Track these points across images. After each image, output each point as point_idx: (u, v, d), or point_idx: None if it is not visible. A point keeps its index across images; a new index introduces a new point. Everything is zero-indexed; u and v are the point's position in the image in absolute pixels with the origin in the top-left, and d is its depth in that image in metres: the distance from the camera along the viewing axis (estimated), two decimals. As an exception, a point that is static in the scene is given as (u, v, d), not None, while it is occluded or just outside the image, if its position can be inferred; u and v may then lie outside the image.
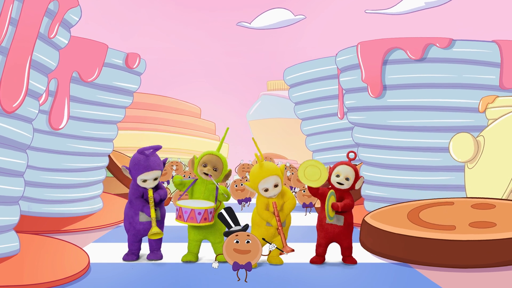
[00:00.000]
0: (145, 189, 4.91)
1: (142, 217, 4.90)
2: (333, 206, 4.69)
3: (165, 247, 5.15)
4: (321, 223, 4.87)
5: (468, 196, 5.99)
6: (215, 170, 4.87)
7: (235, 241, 4.01)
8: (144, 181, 4.85)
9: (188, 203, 4.76)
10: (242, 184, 8.57)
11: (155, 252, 4.97)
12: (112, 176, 8.67)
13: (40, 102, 5.91)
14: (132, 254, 4.96)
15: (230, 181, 9.93)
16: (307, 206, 8.29)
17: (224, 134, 5.03)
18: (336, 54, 7.54)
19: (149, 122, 11.54)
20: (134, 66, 7.08)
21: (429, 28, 14.49)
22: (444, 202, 5.49)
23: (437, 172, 6.67)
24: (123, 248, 5.11)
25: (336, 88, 8.81)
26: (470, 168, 6.07)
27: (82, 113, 6.66)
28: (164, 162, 4.99)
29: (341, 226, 4.79)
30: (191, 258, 4.88)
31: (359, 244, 5.34)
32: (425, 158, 6.72)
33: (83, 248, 4.99)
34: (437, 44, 6.50)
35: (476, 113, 6.44)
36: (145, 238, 5.06)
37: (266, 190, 4.81)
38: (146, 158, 4.84)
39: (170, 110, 12.32)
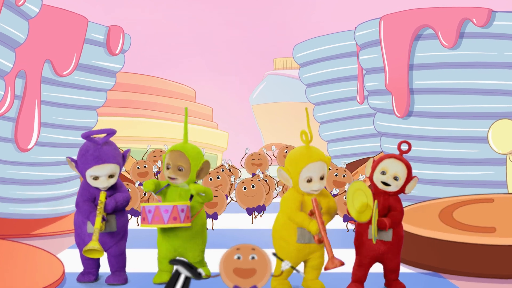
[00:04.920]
0: (97, 191, 4.40)
1: (91, 228, 4.35)
2: (380, 225, 4.11)
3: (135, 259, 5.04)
4: (361, 238, 4.29)
5: (510, 192, 5.99)
6: (181, 170, 4.37)
7: (236, 256, 3.38)
8: (95, 178, 4.34)
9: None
10: (253, 186, 7.33)
11: (117, 274, 4.50)
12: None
13: (3, 109, 5.84)
14: (88, 273, 4.53)
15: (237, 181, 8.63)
16: (350, 220, 7.09)
17: (185, 116, 4.51)
18: (355, 28, 7.52)
19: (135, 107, 11.55)
20: (117, 52, 7.07)
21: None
22: (482, 199, 5.47)
23: (474, 166, 6.68)
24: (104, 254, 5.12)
25: (355, 68, 8.81)
26: (513, 161, 6.08)
27: (55, 97, 6.66)
28: (125, 155, 4.49)
29: (389, 241, 4.23)
30: (165, 279, 4.43)
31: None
32: (459, 149, 6.73)
33: (57, 255, 4.97)
34: (474, 20, 6.47)
35: (520, 97, 6.44)
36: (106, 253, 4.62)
37: (310, 180, 4.16)
38: (97, 147, 4.32)
39: (159, 92, 12.33)
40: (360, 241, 4.28)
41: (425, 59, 6.77)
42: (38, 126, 6.29)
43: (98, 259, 4.49)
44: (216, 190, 6.80)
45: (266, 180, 7.75)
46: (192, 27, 16.61)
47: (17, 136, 6.14)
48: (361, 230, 4.27)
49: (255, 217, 7.42)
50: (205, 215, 4.60)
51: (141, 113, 11.58)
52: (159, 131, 11.52)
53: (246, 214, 7.46)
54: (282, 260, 3.69)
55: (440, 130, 6.80)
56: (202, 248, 4.52)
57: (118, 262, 4.49)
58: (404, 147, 4.30)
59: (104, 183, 4.35)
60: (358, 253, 4.32)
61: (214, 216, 6.68)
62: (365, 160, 9.01)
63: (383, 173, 4.21)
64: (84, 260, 4.48)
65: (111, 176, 4.36)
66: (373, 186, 4.27)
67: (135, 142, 10.58)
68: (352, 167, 8.40)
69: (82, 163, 4.33)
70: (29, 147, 6.21)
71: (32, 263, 4.74)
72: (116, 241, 4.45)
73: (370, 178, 4.28)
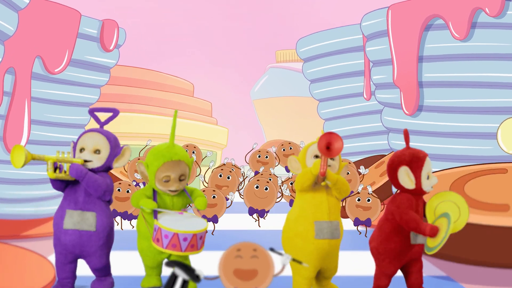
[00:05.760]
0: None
1: (68, 222, 4.17)
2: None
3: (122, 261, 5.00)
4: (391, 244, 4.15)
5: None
6: (183, 180, 4.26)
7: (236, 256, 3.32)
8: (82, 149, 4.21)
9: (170, 223, 4.11)
10: (266, 188, 7.07)
11: (102, 280, 4.38)
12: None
13: None
14: (63, 286, 4.29)
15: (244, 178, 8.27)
16: (361, 224, 6.72)
17: (174, 120, 4.35)
18: (362, 18, 7.53)
19: (130, 102, 11.54)
20: (111, 48, 7.08)
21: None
22: (495, 169, 5.35)
23: (486, 164, 6.66)
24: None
25: (361, 63, 8.81)
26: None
27: (46, 93, 6.68)
28: (122, 147, 4.36)
29: (421, 244, 4.13)
30: (154, 283, 4.38)
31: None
32: (471, 146, 6.73)
33: (48, 258, 4.98)
34: (487, 10, 6.48)
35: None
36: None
37: (317, 156, 4.13)
38: (94, 118, 4.40)
39: (155, 86, 12.31)
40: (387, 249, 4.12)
41: (435, 51, 6.78)
42: (28, 126, 6.30)
43: (75, 268, 4.31)
44: (214, 191, 6.77)
45: (270, 179, 7.72)
46: (190, 17, 16.59)
47: (6, 136, 6.15)
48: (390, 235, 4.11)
49: (256, 220, 7.19)
50: None
51: (136, 108, 11.57)
52: (155, 127, 11.51)
53: (247, 214, 7.24)
54: (281, 254, 3.38)
55: (450, 125, 6.81)
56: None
57: (100, 273, 4.35)
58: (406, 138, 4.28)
59: (88, 155, 4.20)
60: (382, 260, 4.16)
61: (214, 219, 6.65)
62: (371, 158, 9.02)
63: (429, 177, 4.11)
64: (59, 266, 4.28)
65: (97, 152, 4.22)
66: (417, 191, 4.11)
67: (130, 138, 10.59)
68: (356, 165, 8.39)
69: (77, 139, 4.27)
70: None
71: (21, 266, 4.75)
72: (95, 247, 4.23)
73: (419, 187, 4.08)
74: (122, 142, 4.43)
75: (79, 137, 4.26)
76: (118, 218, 6.95)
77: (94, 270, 4.32)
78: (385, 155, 8.62)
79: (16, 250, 5.04)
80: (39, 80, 6.55)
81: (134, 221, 6.91)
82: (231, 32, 16.53)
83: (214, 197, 6.71)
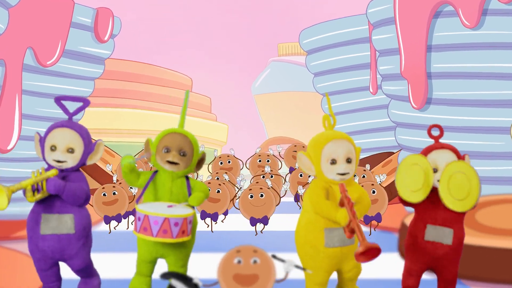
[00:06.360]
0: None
1: (45, 227, 4.07)
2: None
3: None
4: (415, 240, 4.16)
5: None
6: (184, 155, 4.15)
7: (236, 260, 3.22)
8: (52, 148, 4.06)
9: (157, 209, 3.99)
10: (261, 195, 6.76)
11: (88, 281, 4.35)
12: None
13: None
14: None
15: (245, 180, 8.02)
16: (371, 220, 6.57)
17: (185, 101, 4.33)
18: (368, 5, 7.51)
19: (126, 97, 11.55)
20: (106, 38, 7.06)
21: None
22: (506, 200, 5.44)
23: (500, 160, 6.66)
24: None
25: (367, 55, 8.80)
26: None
27: (39, 86, 6.67)
28: (95, 142, 4.19)
29: (448, 245, 4.09)
30: (143, 284, 4.29)
31: (397, 254, 5.33)
32: (483, 141, 6.70)
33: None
34: (499, -4, 6.48)
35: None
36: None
37: (334, 162, 3.90)
38: (62, 108, 4.19)
39: (152, 81, 12.33)
40: (414, 244, 4.14)
41: (444, 40, 6.75)
42: (19, 120, 6.28)
43: (58, 271, 4.26)
44: (220, 185, 6.71)
45: (272, 176, 7.67)
46: (189, 9, 16.59)
47: None
48: (416, 230, 4.14)
49: (261, 231, 6.77)
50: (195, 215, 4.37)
51: (133, 103, 11.58)
52: (153, 124, 11.51)
53: (249, 224, 6.84)
54: (283, 261, 3.30)
55: (461, 119, 6.79)
56: (187, 252, 4.27)
57: (84, 274, 4.30)
58: (436, 132, 4.23)
59: (61, 155, 4.04)
60: (408, 258, 4.19)
61: (214, 217, 6.60)
62: (378, 156, 9.01)
63: (436, 170, 4.07)
64: (42, 275, 4.22)
65: (71, 151, 4.07)
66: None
67: (126, 135, 10.59)
68: (362, 163, 8.38)
69: (45, 133, 4.08)
70: (9, 147, 6.19)
71: (11, 268, 4.74)
72: (76, 249, 4.16)
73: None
74: (118, 140, 4.35)
75: (48, 132, 4.09)
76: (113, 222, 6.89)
77: (77, 271, 4.26)
78: (393, 153, 8.61)
79: (6, 252, 5.04)
80: (31, 72, 6.54)
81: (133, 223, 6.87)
82: (231, 23, 16.52)
83: (218, 191, 6.63)
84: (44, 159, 4.10)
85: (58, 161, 4.05)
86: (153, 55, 14.00)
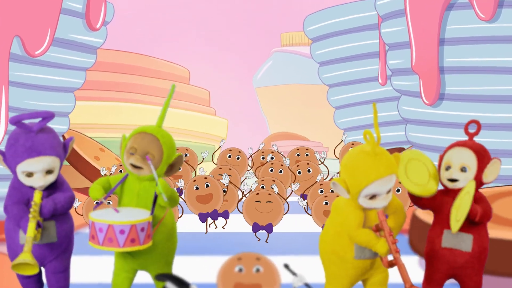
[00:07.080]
0: (32, 190, 4.04)
1: (24, 238, 4.02)
2: (471, 212, 3.84)
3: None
4: (433, 247, 4.11)
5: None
6: (150, 160, 4.03)
7: (237, 268, 3.14)
8: (28, 175, 3.97)
9: (106, 215, 3.90)
10: (269, 199, 6.43)
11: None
12: (68, 164, 8.67)
13: None
14: None
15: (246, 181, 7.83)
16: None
17: (169, 96, 4.20)
18: (376, -4, 7.52)
19: (119, 90, 11.54)
20: (98, 26, 7.04)
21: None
22: None
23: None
24: (84, 261, 5.10)
25: (376, 43, 8.79)
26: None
27: (26, 77, 6.65)
28: (66, 144, 4.13)
29: (468, 253, 4.02)
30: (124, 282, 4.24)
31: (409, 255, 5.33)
32: (497, 139, 6.70)
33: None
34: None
35: None
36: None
37: (374, 197, 3.81)
38: (29, 136, 3.93)
39: (147, 73, 12.32)
40: (433, 250, 4.08)
41: (457, 33, 6.74)
42: (5, 114, 6.27)
43: (40, 276, 4.27)
44: (206, 178, 6.56)
45: (281, 171, 7.62)
46: (186, -4, 16.60)
47: None
48: (433, 236, 4.09)
49: (266, 240, 6.41)
50: (172, 217, 4.28)
51: (126, 96, 11.57)
52: (147, 118, 11.50)
53: (251, 231, 6.53)
54: (294, 274, 3.23)
55: (475, 116, 6.72)
56: (168, 259, 4.23)
57: (59, 281, 4.25)
58: (473, 128, 4.14)
59: (40, 180, 3.99)
60: (428, 267, 4.13)
61: (213, 215, 6.49)
62: (389, 151, 8.97)
63: (448, 168, 4.01)
64: (21, 278, 4.22)
65: (49, 172, 4.01)
66: (443, 186, 4.07)
67: (119, 130, 10.58)
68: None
69: (11, 156, 3.96)
70: None
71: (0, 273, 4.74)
72: (56, 254, 4.16)
73: (441, 179, 4.04)
74: (111, 135, 4.31)
75: (18, 161, 3.95)
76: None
77: (52, 274, 4.21)
78: (404, 148, 8.59)
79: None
80: (18, 62, 6.52)
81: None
82: (231, 11, 16.51)
83: (207, 185, 6.46)
84: (18, 176, 4.03)
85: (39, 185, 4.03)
86: (147, 45, 13.99)
